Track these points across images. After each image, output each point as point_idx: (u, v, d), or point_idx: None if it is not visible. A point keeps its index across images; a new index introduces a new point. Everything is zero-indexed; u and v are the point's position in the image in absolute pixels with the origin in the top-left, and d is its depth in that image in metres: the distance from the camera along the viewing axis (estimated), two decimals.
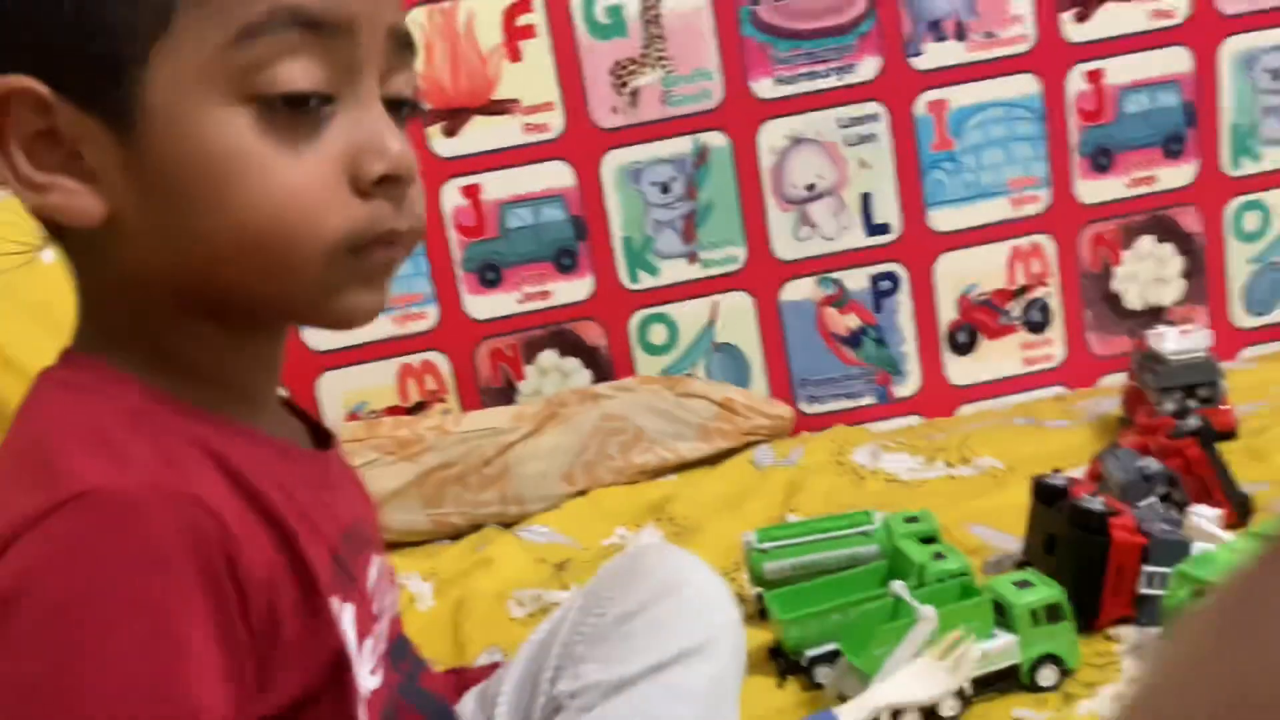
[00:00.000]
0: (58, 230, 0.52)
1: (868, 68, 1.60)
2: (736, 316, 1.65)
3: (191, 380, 0.52)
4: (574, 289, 1.63)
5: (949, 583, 0.94)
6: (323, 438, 0.63)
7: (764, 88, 1.59)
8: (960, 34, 1.59)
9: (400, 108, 0.53)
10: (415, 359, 1.63)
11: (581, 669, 0.66)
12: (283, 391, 0.62)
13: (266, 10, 0.46)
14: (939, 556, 0.98)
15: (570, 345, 1.65)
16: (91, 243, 0.50)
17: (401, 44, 0.52)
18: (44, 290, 0.55)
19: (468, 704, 0.74)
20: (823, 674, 0.92)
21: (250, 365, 0.56)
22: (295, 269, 0.50)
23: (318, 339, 1.59)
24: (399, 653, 0.65)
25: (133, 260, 0.50)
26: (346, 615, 0.53)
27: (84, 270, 0.53)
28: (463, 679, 0.79)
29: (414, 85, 0.55)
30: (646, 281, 1.64)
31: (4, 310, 0.82)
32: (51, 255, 0.55)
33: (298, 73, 0.47)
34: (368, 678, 0.54)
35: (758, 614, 1.05)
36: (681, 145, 1.59)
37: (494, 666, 0.82)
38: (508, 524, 1.46)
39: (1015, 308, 1.68)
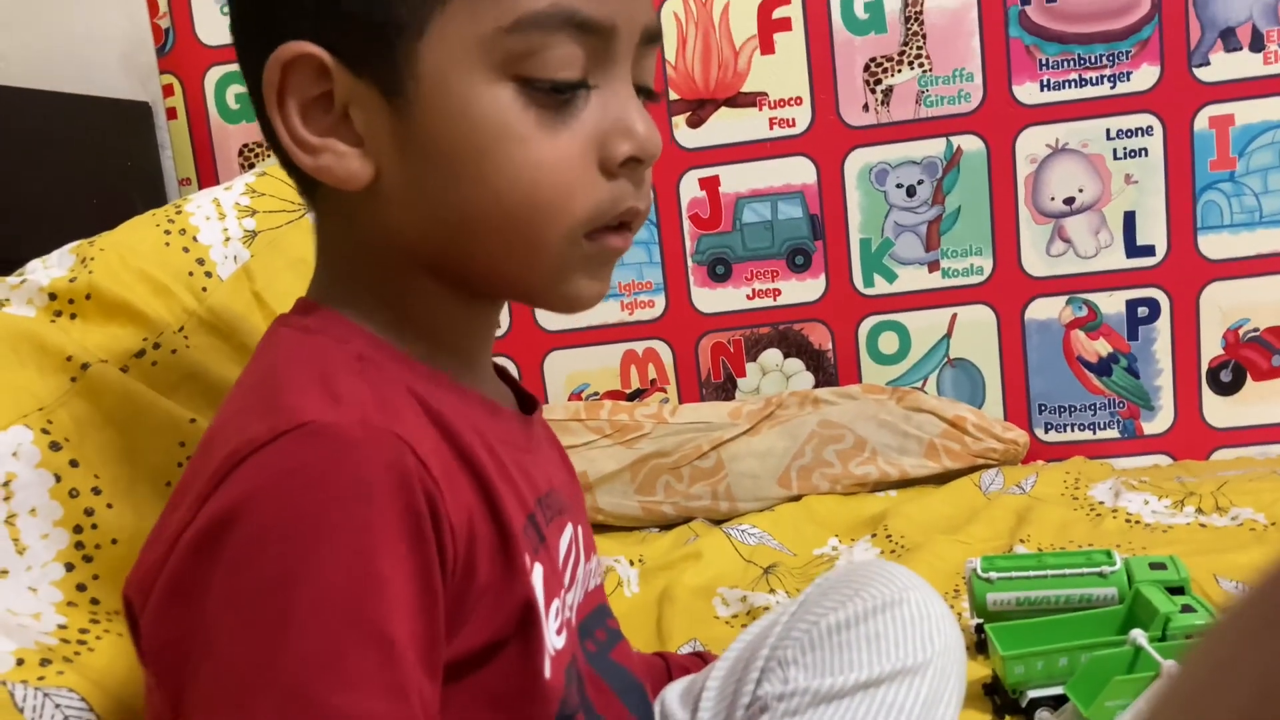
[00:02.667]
0: (311, 188, 0.55)
1: (1144, 77, 1.48)
2: (975, 331, 1.57)
3: (414, 335, 0.55)
4: (805, 289, 1.60)
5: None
6: (528, 406, 0.64)
7: (1027, 92, 1.51)
8: (1257, 44, 1.45)
9: (641, 93, 0.55)
10: (639, 346, 1.64)
11: (790, 673, 0.64)
12: (497, 360, 0.64)
13: (547, 6, 0.49)
14: (1187, 609, 0.89)
15: (795, 346, 1.62)
16: (344, 202, 0.53)
17: (651, 38, 0.55)
18: (306, 248, 0.58)
19: (673, 695, 0.73)
20: (1042, 718, 0.85)
21: (470, 329, 0.58)
22: (539, 245, 0.52)
23: (548, 319, 1.63)
24: (595, 622, 0.65)
25: (383, 222, 0.53)
26: (536, 574, 0.53)
27: (330, 227, 0.56)
28: (667, 662, 0.78)
29: (654, 73, 0.57)
30: (882, 287, 1.58)
31: (271, 264, 0.87)
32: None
33: (563, 62, 0.50)
34: (554, 636, 0.54)
35: (975, 646, 0.98)
36: (933, 147, 1.53)
37: (699, 656, 0.81)
38: (718, 520, 1.44)
39: None
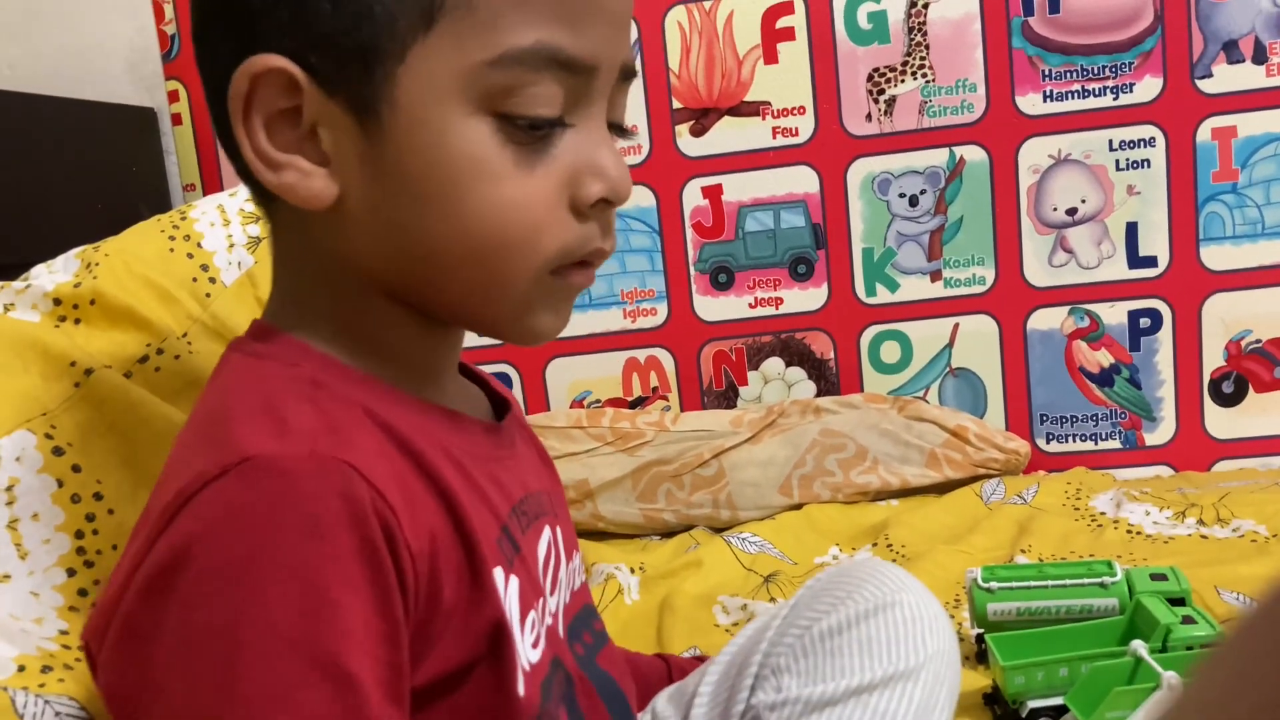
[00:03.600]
0: (268, 202, 0.54)
1: (1147, 88, 1.49)
2: (977, 341, 1.57)
3: (373, 355, 0.54)
4: (807, 298, 1.60)
5: (1197, 652, 0.85)
6: (502, 407, 0.63)
7: (1030, 103, 1.51)
8: (1260, 56, 1.46)
9: (612, 129, 0.55)
10: (642, 354, 1.64)
11: (783, 681, 0.64)
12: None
13: (532, 43, 0.48)
14: (1188, 620, 0.89)
15: (797, 355, 1.62)
16: (305, 222, 0.52)
17: (627, 75, 0.54)
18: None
19: (663, 699, 0.73)
20: None
21: (432, 347, 0.57)
22: (504, 281, 0.51)
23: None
24: (581, 624, 0.64)
25: (342, 244, 0.52)
26: (511, 588, 0.52)
27: (286, 243, 0.55)
28: (668, 664, 0.78)
29: (624, 109, 0.56)
30: (884, 296, 1.58)
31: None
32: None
33: (543, 100, 0.49)
34: (529, 650, 0.53)
35: (975, 656, 0.98)
36: (935, 157, 1.53)
37: (698, 660, 0.81)
38: (719, 528, 1.44)
39: None
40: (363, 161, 0.50)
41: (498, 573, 0.51)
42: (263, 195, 0.54)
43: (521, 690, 0.51)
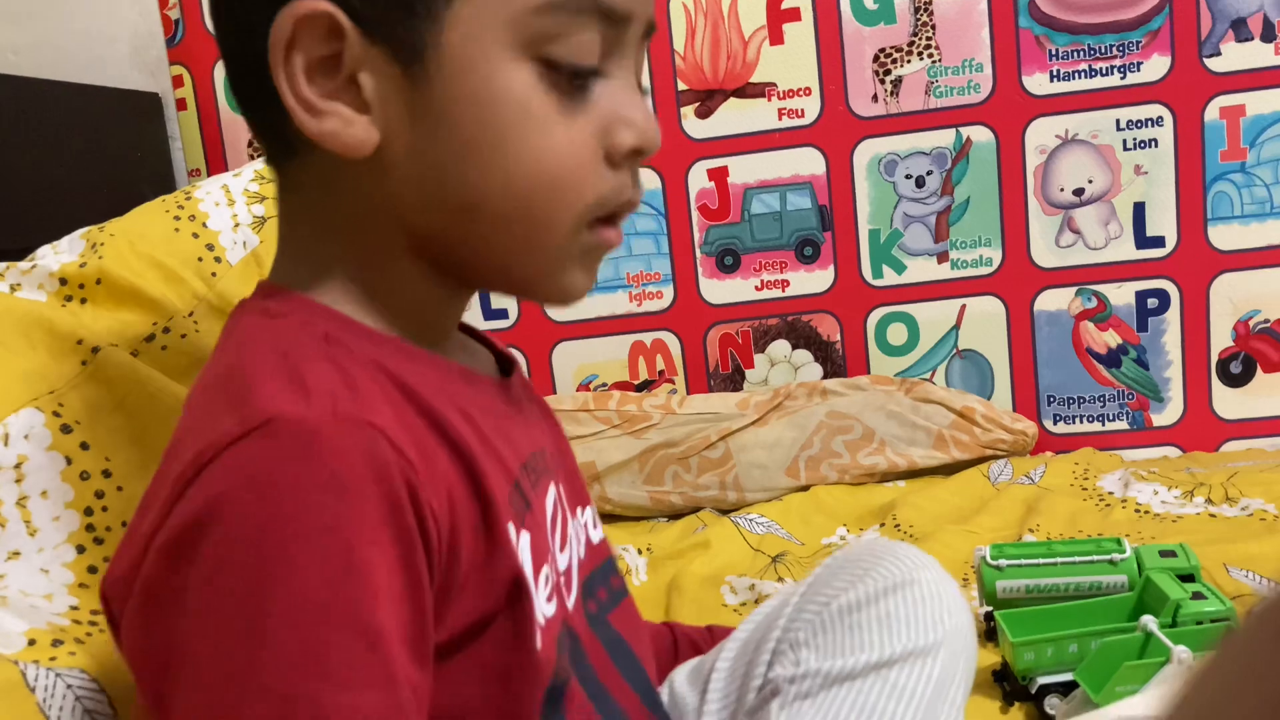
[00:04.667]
0: (287, 155, 0.53)
1: (1155, 67, 1.48)
2: (984, 323, 1.57)
3: (385, 312, 0.53)
4: (813, 280, 1.60)
5: (1207, 626, 0.85)
6: (506, 367, 0.63)
7: (1037, 83, 1.50)
8: (1268, 34, 1.45)
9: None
10: (648, 337, 1.64)
11: (802, 655, 0.64)
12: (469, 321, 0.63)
13: None
14: (1198, 596, 0.89)
15: (803, 337, 1.62)
16: (332, 172, 0.51)
17: (649, 31, 0.55)
18: None
19: (681, 676, 0.73)
20: (1052, 704, 0.85)
21: (445, 305, 0.57)
22: (546, 229, 0.51)
23: (557, 309, 1.62)
24: (598, 580, 0.64)
25: (375, 195, 0.51)
26: (523, 543, 0.52)
27: (305, 198, 0.54)
28: (674, 633, 0.78)
29: (642, 68, 0.57)
30: (890, 278, 1.58)
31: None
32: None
33: (585, 48, 0.50)
34: (544, 605, 0.53)
35: (985, 633, 0.98)
36: (942, 138, 1.53)
37: (709, 631, 0.81)
38: (726, 510, 1.44)
39: None
40: (405, 108, 0.49)
41: (510, 528, 0.51)
42: (281, 151, 0.53)
43: (539, 643, 0.51)
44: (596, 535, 0.67)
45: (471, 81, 0.49)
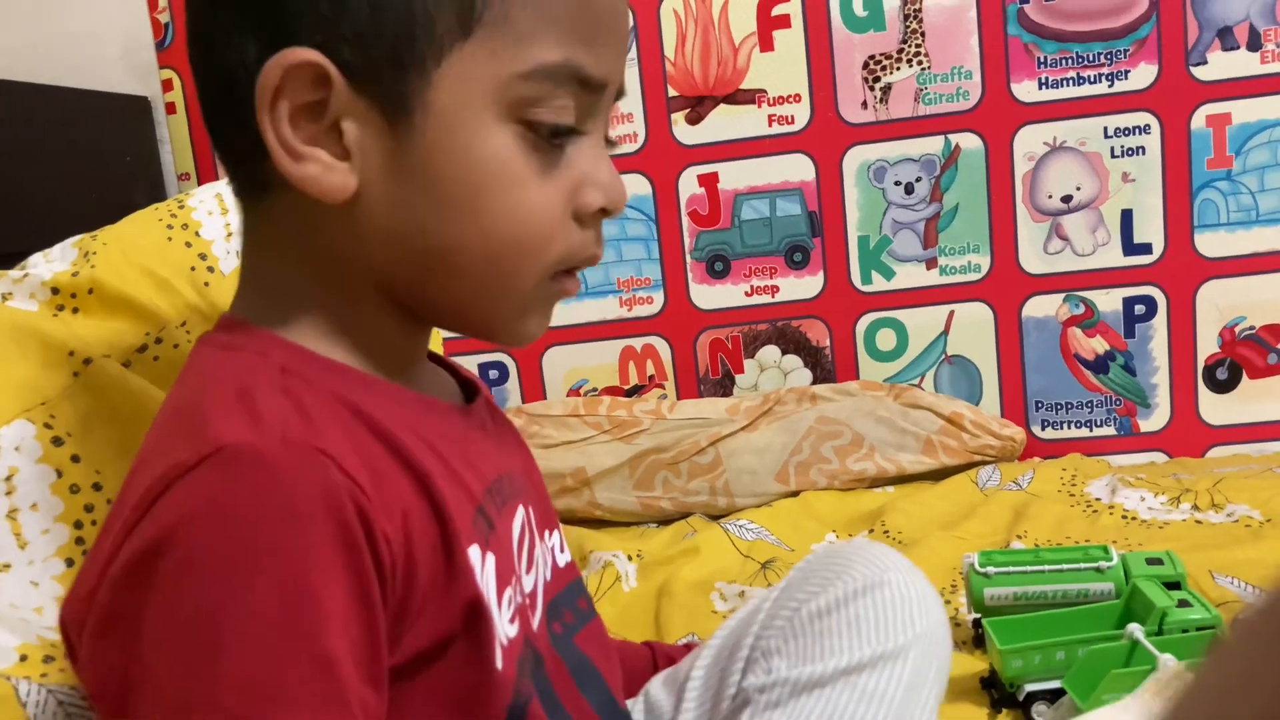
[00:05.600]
0: (260, 192, 0.53)
1: (1142, 75, 1.49)
2: (973, 329, 1.57)
3: (348, 344, 0.54)
4: (803, 286, 1.60)
5: (1193, 634, 0.86)
6: (471, 392, 0.64)
7: (1025, 90, 1.51)
8: (1254, 43, 1.46)
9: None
10: (638, 342, 1.64)
11: (773, 663, 0.64)
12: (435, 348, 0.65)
13: (560, 60, 0.51)
14: (1184, 604, 0.89)
15: (793, 343, 1.62)
16: (305, 215, 0.52)
17: (619, 95, 0.57)
18: None
19: (657, 684, 0.73)
20: (1040, 711, 0.86)
21: (408, 339, 0.58)
22: (513, 283, 0.54)
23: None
24: (564, 602, 0.65)
25: (348, 239, 0.52)
26: (488, 564, 0.53)
27: (276, 232, 0.54)
28: (654, 652, 0.78)
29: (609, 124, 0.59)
30: (879, 284, 1.59)
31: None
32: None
33: (564, 111, 0.52)
34: (506, 626, 0.54)
35: (973, 640, 0.99)
36: (931, 145, 1.53)
37: (688, 648, 0.81)
38: (716, 515, 1.45)
39: None
40: (385, 158, 0.51)
41: (473, 550, 0.52)
42: (251, 186, 0.54)
43: (500, 665, 0.52)
44: (564, 559, 0.67)
45: (455, 139, 0.50)
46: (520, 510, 0.61)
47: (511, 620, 0.55)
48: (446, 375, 0.65)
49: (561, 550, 0.68)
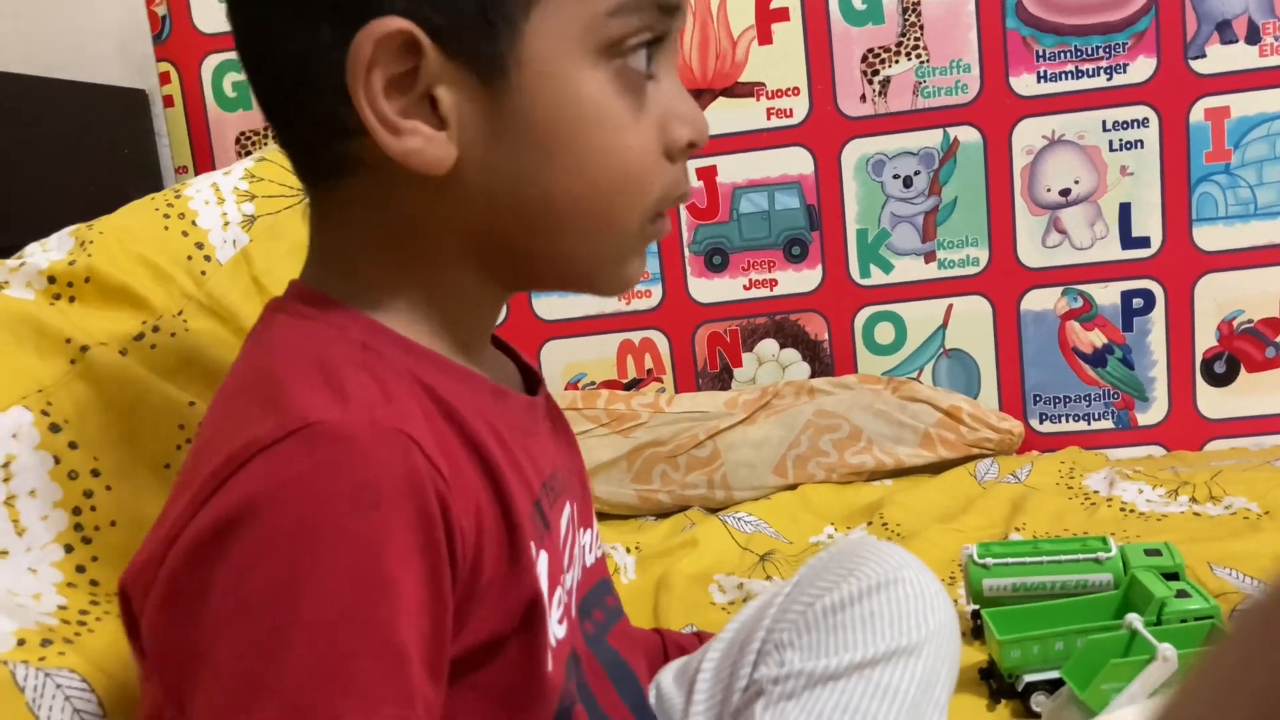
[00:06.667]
0: (339, 170, 0.52)
1: (1140, 69, 1.49)
2: (971, 322, 1.57)
3: (424, 323, 0.53)
4: (801, 279, 1.60)
5: (1191, 624, 0.86)
6: (531, 381, 0.63)
7: (1024, 84, 1.51)
8: (1253, 36, 1.46)
9: None
10: (636, 336, 1.64)
11: (786, 655, 0.64)
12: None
13: None
14: (1182, 594, 0.89)
15: (791, 336, 1.62)
16: (396, 186, 0.50)
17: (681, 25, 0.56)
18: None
19: (668, 677, 0.73)
20: (1038, 702, 0.86)
21: (482, 316, 0.57)
22: (619, 226, 0.53)
23: (544, 308, 1.62)
24: (594, 601, 0.64)
25: (437, 208, 0.51)
26: (542, 562, 0.52)
27: (358, 210, 0.52)
28: (664, 640, 0.79)
29: None
30: (878, 277, 1.58)
31: (270, 249, 0.86)
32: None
33: (647, 48, 0.52)
34: (556, 626, 0.53)
35: (971, 631, 0.99)
36: (929, 138, 1.53)
37: (698, 636, 0.81)
38: (714, 509, 1.45)
39: None
40: (483, 121, 0.50)
41: (531, 547, 0.51)
42: (322, 170, 0.52)
43: (550, 665, 0.51)
44: (592, 556, 0.67)
45: (551, 90, 0.49)
46: (568, 507, 0.60)
47: (560, 621, 0.54)
48: (510, 362, 0.64)
49: (592, 549, 0.67)
